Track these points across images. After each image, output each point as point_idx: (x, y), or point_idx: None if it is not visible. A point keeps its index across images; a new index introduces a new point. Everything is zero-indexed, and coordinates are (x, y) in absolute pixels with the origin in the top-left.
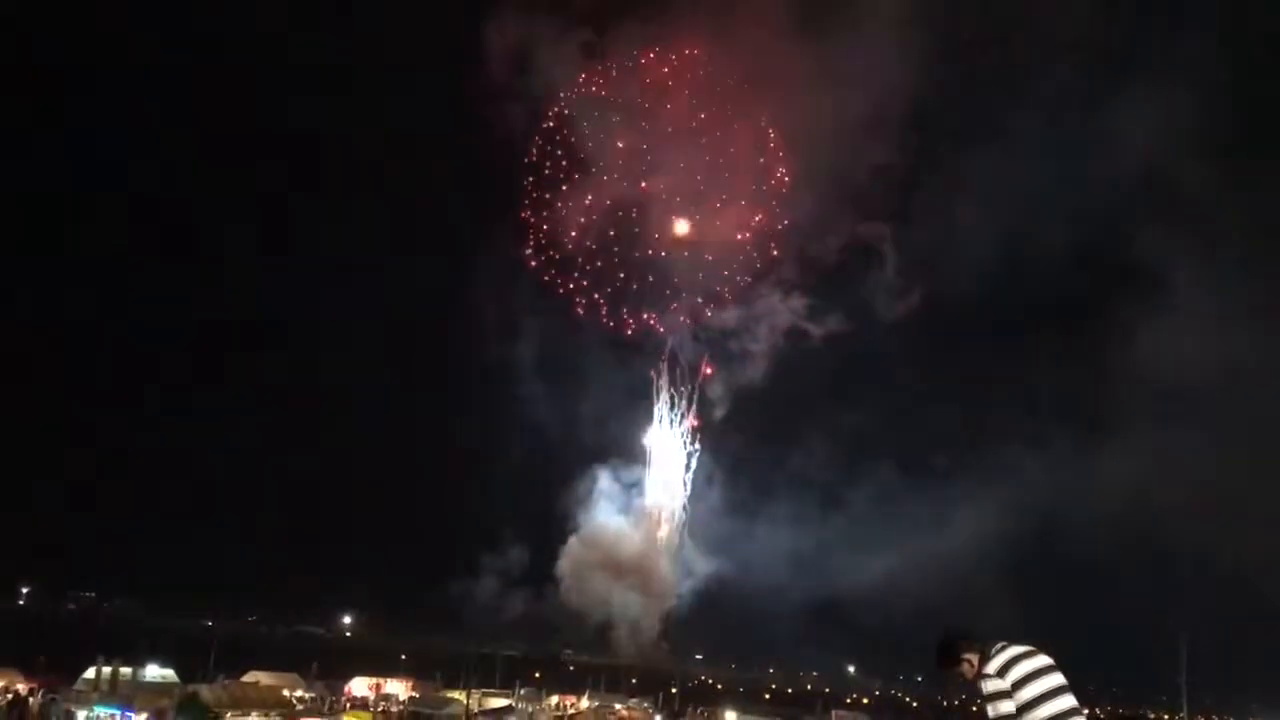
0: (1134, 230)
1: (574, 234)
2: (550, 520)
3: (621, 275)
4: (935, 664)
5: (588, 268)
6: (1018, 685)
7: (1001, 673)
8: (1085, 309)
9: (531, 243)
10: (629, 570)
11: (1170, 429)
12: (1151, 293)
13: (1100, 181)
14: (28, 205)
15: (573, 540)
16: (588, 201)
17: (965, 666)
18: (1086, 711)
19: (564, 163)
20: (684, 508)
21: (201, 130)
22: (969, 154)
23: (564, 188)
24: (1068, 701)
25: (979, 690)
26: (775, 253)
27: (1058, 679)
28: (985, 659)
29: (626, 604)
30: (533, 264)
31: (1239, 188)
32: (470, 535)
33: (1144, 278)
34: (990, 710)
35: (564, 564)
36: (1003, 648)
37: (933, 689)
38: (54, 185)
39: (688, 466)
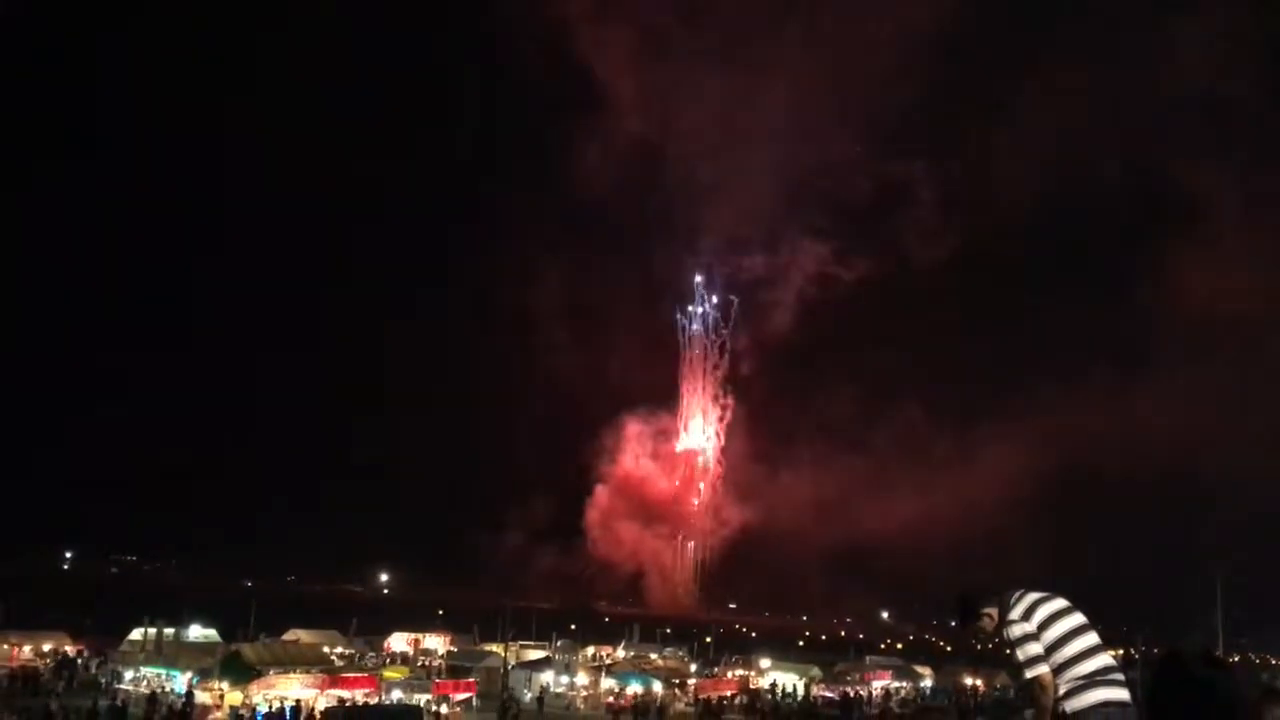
0: (1175, 164)
1: (596, 174)
2: (578, 471)
3: (646, 217)
4: (956, 622)
5: (611, 209)
6: (1043, 626)
7: (1027, 615)
8: (1122, 243)
9: (553, 185)
10: (659, 519)
11: (1208, 365)
12: (1190, 227)
13: (1142, 114)
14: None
15: (600, 490)
16: (610, 139)
17: (986, 621)
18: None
19: (586, 98)
20: (715, 456)
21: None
22: (1005, 87)
23: (585, 125)
24: (1092, 638)
25: (1006, 637)
26: (804, 193)
27: (1079, 618)
28: (1006, 608)
29: (657, 553)
30: (555, 207)
31: None
32: (502, 490)
33: (1183, 211)
34: (1020, 654)
35: (592, 514)
36: (1022, 594)
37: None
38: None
39: (721, 417)
